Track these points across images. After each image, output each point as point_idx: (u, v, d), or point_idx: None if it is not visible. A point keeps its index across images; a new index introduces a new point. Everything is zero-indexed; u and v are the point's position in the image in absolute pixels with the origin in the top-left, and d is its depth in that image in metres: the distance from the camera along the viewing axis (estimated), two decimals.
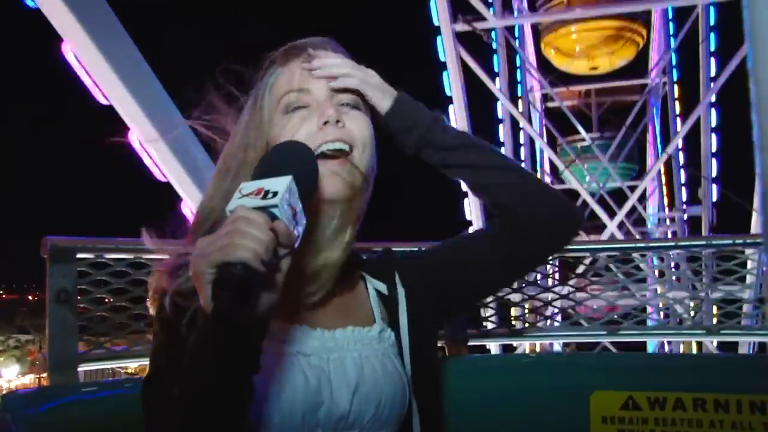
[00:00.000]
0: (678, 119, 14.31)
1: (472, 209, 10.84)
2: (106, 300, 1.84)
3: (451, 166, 1.17)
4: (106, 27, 5.20)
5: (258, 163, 0.95)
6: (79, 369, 1.72)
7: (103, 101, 5.30)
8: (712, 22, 12.09)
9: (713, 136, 11.86)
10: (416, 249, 2.06)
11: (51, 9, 4.98)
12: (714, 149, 11.91)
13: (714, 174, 12.18)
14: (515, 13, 13.02)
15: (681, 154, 14.45)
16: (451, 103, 9.83)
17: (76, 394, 1.51)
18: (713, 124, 11.77)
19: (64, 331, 1.68)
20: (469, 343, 2.12)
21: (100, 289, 1.80)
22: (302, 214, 0.86)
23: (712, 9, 11.91)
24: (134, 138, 5.34)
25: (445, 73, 9.77)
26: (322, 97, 1.08)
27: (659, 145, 15.45)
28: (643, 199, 13.79)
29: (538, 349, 9.33)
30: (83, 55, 5.18)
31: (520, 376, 1.56)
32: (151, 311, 1.05)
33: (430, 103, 1.21)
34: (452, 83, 9.72)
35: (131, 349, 1.86)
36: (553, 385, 1.52)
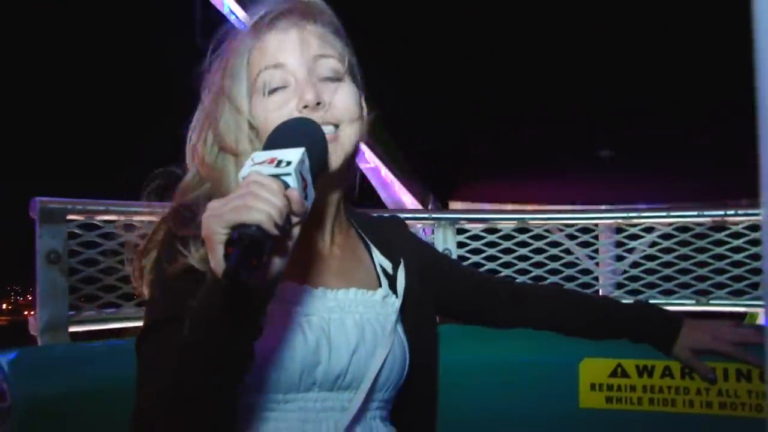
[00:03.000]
0: None
1: None
2: (97, 261, 1.83)
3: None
4: None
5: (268, 136, 0.93)
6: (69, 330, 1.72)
7: None
8: None
9: None
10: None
11: None
12: None
13: None
14: None
15: None
16: None
17: (67, 353, 1.51)
18: None
19: (53, 292, 1.68)
20: None
21: (90, 251, 1.79)
22: (312, 187, 0.85)
23: None
24: None
25: None
26: (300, 74, 1.05)
27: None
28: None
29: None
30: None
31: (508, 343, 1.56)
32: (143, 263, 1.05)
33: None
34: None
35: (122, 311, 1.86)
36: (541, 352, 1.53)
